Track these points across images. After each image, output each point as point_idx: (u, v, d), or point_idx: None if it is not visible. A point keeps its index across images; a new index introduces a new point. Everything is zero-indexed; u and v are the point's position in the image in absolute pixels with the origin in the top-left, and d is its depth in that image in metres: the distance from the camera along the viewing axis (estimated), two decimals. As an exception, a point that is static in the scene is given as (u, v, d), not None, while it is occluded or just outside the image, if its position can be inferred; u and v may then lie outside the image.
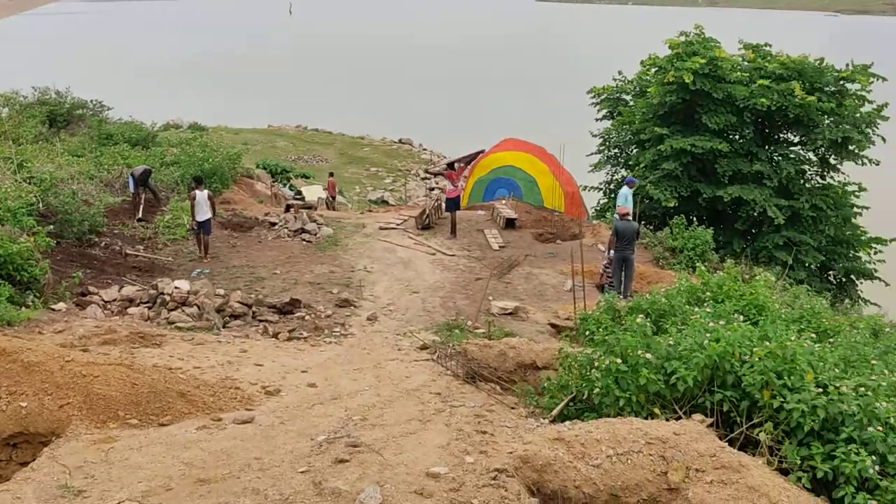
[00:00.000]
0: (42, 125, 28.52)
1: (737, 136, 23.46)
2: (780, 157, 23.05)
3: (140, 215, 18.52)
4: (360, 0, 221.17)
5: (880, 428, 6.18)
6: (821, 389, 6.46)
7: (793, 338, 7.22)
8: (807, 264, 21.66)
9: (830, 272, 23.39)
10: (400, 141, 57.04)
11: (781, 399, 6.44)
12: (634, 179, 20.54)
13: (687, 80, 21.98)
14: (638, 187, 21.11)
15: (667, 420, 6.85)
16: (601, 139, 26.70)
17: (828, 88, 22.69)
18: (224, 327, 12.21)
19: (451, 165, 21.90)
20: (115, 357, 8.47)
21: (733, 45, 25.18)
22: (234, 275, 15.58)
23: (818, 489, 6.15)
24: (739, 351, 6.88)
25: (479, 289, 15.07)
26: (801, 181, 23.26)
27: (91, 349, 9.32)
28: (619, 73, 27.46)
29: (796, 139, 23.74)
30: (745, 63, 24.02)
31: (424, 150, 54.02)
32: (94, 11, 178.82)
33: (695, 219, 20.91)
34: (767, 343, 6.89)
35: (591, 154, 26.96)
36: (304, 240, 18.83)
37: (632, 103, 26.10)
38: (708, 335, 7.17)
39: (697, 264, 12.86)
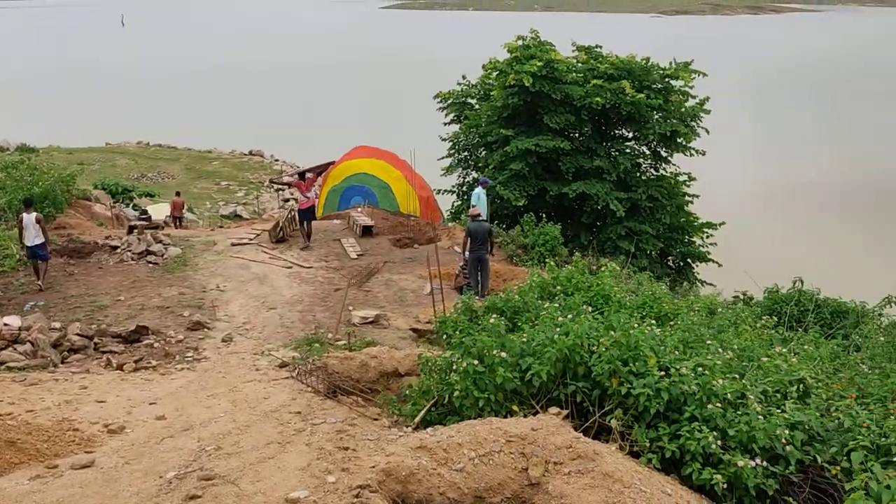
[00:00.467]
0: None
1: (577, 135, 24.52)
2: (617, 153, 24.34)
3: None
4: (204, 16, 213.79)
5: (719, 405, 6.59)
6: (663, 373, 6.82)
7: (636, 325, 7.59)
8: (648, 251, 22.98)
9: (669, 257, 24.95)
10: (251, 153, 55.49)
11: (628, 385, 6.74)
12: (488, 180, 21.01)
13: (527, 83, 22.75)
14: (490, 187, 21.62)
15: (525, 416, 7.00)
16: (451, 143, 27.13)
17: (655, 86, 24.20)
18: (62, 363, 11.31)
19: (301, 175, 21.49)
20: (-69, 409, 7.62)
21: (568, 47, 26.36)
22: (72, 305, 14.47)
23: (668, 468, 6.47)
24: (588, 342, 7.15)
25: (338, 300, 14.83)
26: (638, 174, 24.66)
27: None
28: (464, 77, 28.04)
29: (630, 135, 25.10)
30: (580, 64, 25.20)
31: (277, 160, 52.85)
32: None
33: (544, 215, 21.68)
34: (612, 333, 7.19)
35: (443, 158, 27.34)
36: (149, 262, 17.80)
37: (477, 107, 26.72)
38: (558, 329, 7.39)
39: (547, 259, 13.28)
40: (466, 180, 26.81)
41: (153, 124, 60.21)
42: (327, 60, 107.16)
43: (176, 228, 25.61)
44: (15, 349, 11.56)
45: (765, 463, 6.18)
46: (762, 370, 7.75)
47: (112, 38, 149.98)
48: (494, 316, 8.33)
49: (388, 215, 23.03)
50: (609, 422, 6.71)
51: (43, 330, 12.03)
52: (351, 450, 6.53)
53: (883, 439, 6.30)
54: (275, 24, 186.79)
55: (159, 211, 29.36)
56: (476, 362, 7.34)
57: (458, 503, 5.99)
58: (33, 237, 15.32)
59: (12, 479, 6.47)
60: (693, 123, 24.24)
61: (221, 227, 26.32)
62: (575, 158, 23.47)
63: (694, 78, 24.24)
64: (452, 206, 27.28)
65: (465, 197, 25.56)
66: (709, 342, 8.00)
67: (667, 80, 24.38)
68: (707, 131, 24.76)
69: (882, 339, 9.86)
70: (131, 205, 34.23)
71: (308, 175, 21.64)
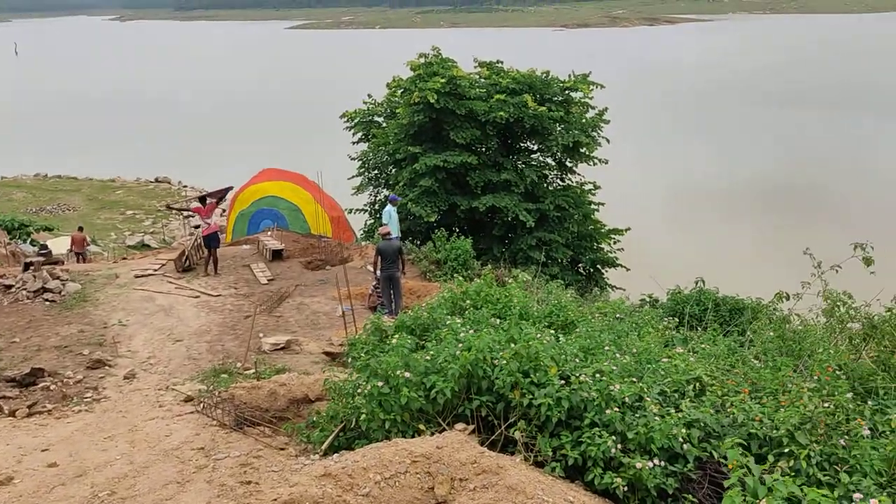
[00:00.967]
0: None
1: (484, 149, 24.87)
2: (524, 165, 24.81)
3: None
4: (108, 41, 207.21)
5: (617, 409, 6.74)
6: (564, 381, 6.93)
7: (537, 336, 7.70)
8: (559, 260, 23.46)
9: (580, 264, 25.53)
10: (157, 179, 53.99)
11: (530, 396, 6.81)
12: (397, 197, 21.04)
13: (431, 100, 22.95)
14: (400, 205, 21.65)
15: (432, 434, 6.99)
16: (360, 162, 27.07)
17: (556, 98, 24.82)
18: (-52, 414, 10.61)
19: (202, 200, 21.02)
20: None
21: (471, 63, 26.73)
22: (-39, 351, 13.64)
23: (573, 475, 6.57)
24: (490, 356, 7.20)
25: (248, 327, 14.51)
26: (545, 185, 25.19)
27: None
28: (369, 95, 28.05)
29: (535, 147, 25.64)
30: (482, 80, 25.59)
31: (185, 186, 51.55)
32: None
33: (456, 230, 21.85)
34: (513, 345, 7.27)
35: (353, 177, 27.25)
36: (46, 300, 17.00)
37: (384, 125, 26.76)
38: (460, 345, 7.43)
39: (455, 275, 13.37)
40: (378, 198, 26.78)
41: (51, 155, 57.88)
42: (234, 82, 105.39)
43: (78, 263, 24.56)
44: None
45: (663, 463, 6.34)
46: (662, 371, 7.98)
47: (4, 67, 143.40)
48: (399, 335, 8.29)
49: (299, 238, 22.74)
50: (514, 434, 6.77)
51: (-75, 380, 11.29)
52: (254, 483, 6.37)
53: (774, 431, 6.59)
54: (181, 46, 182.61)
55: (61, 245, 28.20)
56: (381, 384, 7.29)
57: (365, 529, 5.91)
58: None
59: None
60: (594, 133, 24.95)
61: (125, 258, 25.40)
62: (483, 172, 23.78)
63: (592, 89, 24.96)
64: (365, 224, 27.18)
65: (378, 215, 25.52)
66: (606, 348, 8.19)
67: (567, 92, 25.03)
68: (608, 140, 25.53)
69: (771, 333, 10.31)
70: (29, 240, 32.67)
71: (209, 200, 21.18)
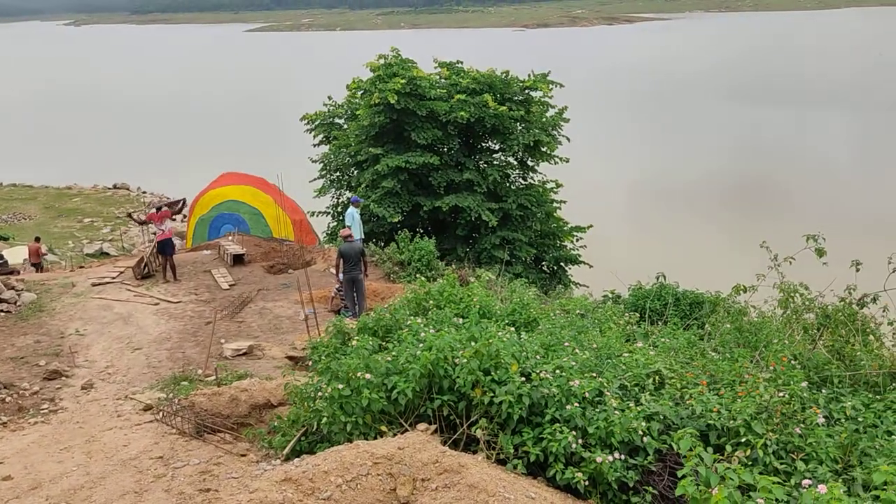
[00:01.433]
0: None
1: (445, 149, 24.87)
2: (486, 165, 24.88)
3: None
4: (61, 45, 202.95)
5: (577, 404, 6.79)
6: (525, 378, 6.96)
7: (498, 333, 7.72)
8: (522, 258, 23.56)
9: (543, 262, 25.67)
10: (115, 186, 53.06)
11: (492, 394, 6.82)
12: (359, 199, 20.95)
13: (392, 101, 22.89)
14: (362, 206, 21.55)
15: (395, 435, 6.96)
16: (321, 164, 26.88)
17: (516, 98, 24.93)
18: None
19: (159, 209, 20.77)
20: None
21: (431, 64, 26.73)
22: (-90, 366, 13.23)
23: (535, 471, 6.60)
24: (451, 355, 7.20)
25: (209, 333, 14.31)
26: (507, 184, 25.28)
27: None
28: (329, 98, 27.89)
29: (497, 147, 25.72)
30: (443, 80, 25.60)
31: (144, 192, 50.72)
32: None
33: (420, 231, 21.82)
34: (474, 343, 7.28)
35: (315, 179, 27.04)
36: (1, 311, 16.57)
37: (345, 126, 26.62)
38: (421, 345, 7.41)
39: (418, 275, 13.36)
40: (340, 200, 26.62)
41: (5, 163, 56.46)
42: (192, 85, 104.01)
43: (36, 273, 24.03)
44: None
45: (624, 456, 6.40)
46: (622, 366, 8.06)
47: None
48: (360, 337, 8.25)
49: (260, 242, 22.50)
50: (476, 432, 6.77)
51: None
52: (213, 491, 6.28)
53: (732, 422, 6.69)
54: (139, 49, 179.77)
55: (17, 254, 27.66)
56: (341, 386, 7.24)
57: (328, 533, 5.86)
58: None
59: None
60: (555, 132, 25.10)
61: (82, 266, 24.89)
62: (445, 173, 23.79)
63: (552, 89, 25.12)
64: (328, 227, 27.01)
65: (340, 217, 25.38)
66: (567, 344, 8.24)
67: (526, 91, 25.15)
68: (568, 139, 25.71)
69: (729, 325, 10.48)
70: (-18, 250, 31.88)
71: (164, 208, 20.95)
